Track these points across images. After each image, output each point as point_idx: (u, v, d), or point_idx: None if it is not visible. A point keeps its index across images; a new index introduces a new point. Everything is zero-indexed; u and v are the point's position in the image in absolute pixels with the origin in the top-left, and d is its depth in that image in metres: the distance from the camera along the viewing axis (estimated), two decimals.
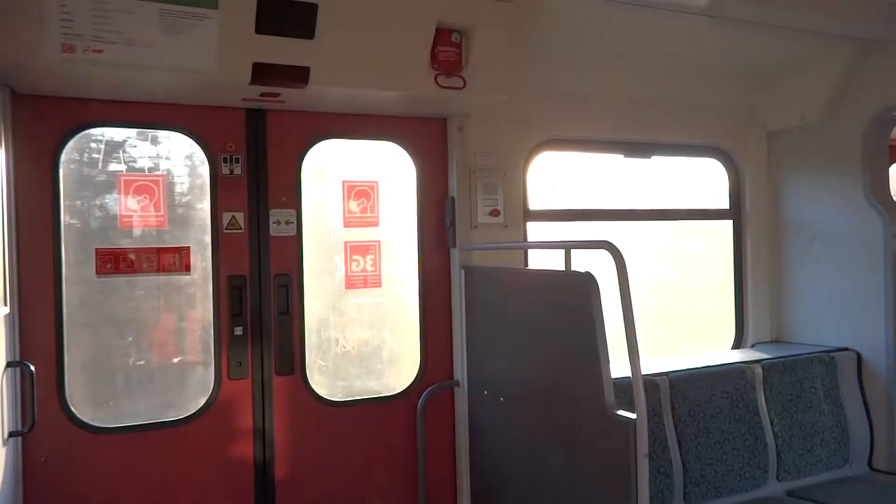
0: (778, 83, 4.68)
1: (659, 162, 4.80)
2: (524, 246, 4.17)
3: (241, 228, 3.56)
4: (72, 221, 3.30)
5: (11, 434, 3.03)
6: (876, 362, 4.41)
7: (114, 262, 3.35)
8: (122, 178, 3.38)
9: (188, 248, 3.50)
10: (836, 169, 4.58)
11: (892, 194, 4.51)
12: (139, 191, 3.41)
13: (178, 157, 3.52)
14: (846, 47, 4.30)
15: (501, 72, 3.55)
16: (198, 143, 3.50)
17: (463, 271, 3.86)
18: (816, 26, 4.00)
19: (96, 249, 3.32)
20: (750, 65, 4.44)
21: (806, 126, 4.67)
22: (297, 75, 3.14)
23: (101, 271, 3.33)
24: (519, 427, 3.39)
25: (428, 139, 3.96)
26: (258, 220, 3.60)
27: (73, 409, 3.28)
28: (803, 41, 4.18)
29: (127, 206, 3.38)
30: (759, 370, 4.24)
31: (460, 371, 3.90)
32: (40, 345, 3.20)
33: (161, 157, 3.48)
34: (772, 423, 4.18)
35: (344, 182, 3.84)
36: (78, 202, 3.33)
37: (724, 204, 4.99)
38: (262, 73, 3.06)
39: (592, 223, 4.54)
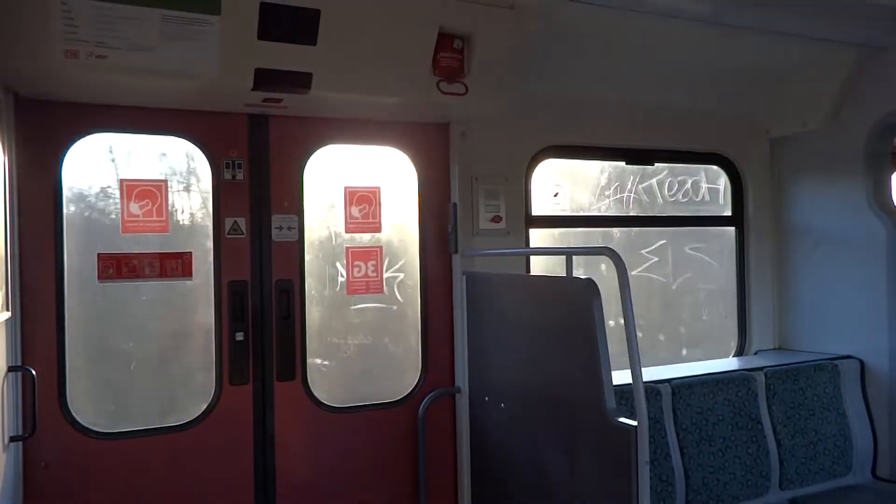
0: (780, 90, 4.68)
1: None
2: (525, 252, 4.17)
3: (243, 234, 3.57)
4: (74, 226, 3.31)
5: (12, 439, 3.03)
6: (879, 370, 4.39)
7: (116, 267, 3.35)
8: (125, 184, 3.39)
9: (190, 253, 3.50)
10: (839, 176, 4.57)
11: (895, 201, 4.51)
12: (142, 196, 3.41)
13: (180, 163, 3.53)
14: (848, 53, 4.30)
15: (503, 78, 3.56)
16: (200, 148, 3.51)
17: (464, 277, 3.85)
18: (818, 33, 4.00)
19: (98, 254, 3.33)
20: (751, 71, 4.43)
21: (808, 133, 4.67)
22: (300, 81, 3.14)
23: (103, 276, 3.33)
24: (520, 434, 3.38)
25: (430, 145, 3.96)
26: (260, 226, 3.60)
27: (74, 414, 3.28)
28: (805, 48, 4.17)
29: (130, 211, 3.39)
30: (761, 378, 4.22)
31: (461, 377, 3.89)
32: (42, 349, 3.21)
33: (164, 163, 3.49)
34: (774, 431, 4.16)
35: (346, 188, 3.84)
36: (80, 207, 3.33)
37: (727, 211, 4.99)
38: (265, 78, 3.07)
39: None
